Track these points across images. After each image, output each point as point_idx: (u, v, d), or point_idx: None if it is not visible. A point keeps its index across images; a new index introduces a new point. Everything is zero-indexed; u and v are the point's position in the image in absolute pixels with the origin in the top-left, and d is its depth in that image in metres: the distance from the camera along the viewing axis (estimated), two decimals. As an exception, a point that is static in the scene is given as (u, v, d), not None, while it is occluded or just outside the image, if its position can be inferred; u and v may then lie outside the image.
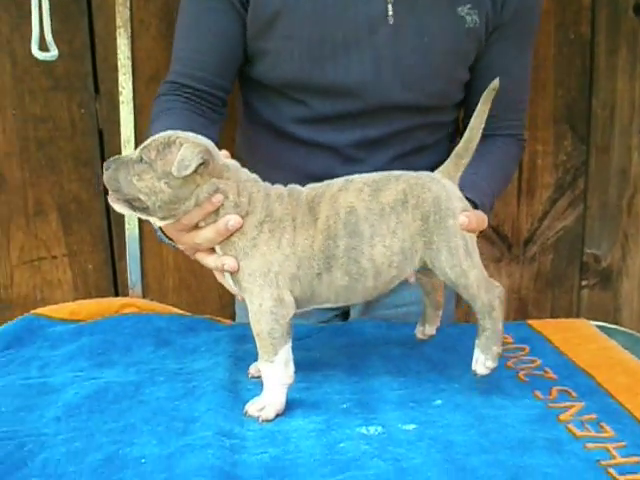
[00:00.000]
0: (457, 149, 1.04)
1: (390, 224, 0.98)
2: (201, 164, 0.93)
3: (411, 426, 0.93)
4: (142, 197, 0.96)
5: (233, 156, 1.03)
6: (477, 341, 1.01)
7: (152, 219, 0.99)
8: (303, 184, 1.05)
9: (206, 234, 0.98)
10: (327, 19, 1.19)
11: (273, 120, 1.30)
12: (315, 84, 1.23)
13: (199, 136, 0.98)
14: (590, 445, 0.89)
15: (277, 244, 0.96)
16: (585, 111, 1.89)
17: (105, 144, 1.74)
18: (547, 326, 1.28)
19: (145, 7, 1.66)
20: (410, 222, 0.98)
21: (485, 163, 1.23)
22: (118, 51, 1.42)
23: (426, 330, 1.15)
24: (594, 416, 0.96)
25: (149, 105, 1.68)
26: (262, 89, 1.30)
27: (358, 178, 1.01)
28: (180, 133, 0.97)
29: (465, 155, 1.04)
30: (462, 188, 1.07)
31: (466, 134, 1.04)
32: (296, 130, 1.28)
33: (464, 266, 0.99)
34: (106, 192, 1.73)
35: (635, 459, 0.86)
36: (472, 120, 1.04)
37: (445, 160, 1.38)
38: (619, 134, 1.91)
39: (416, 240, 0.99)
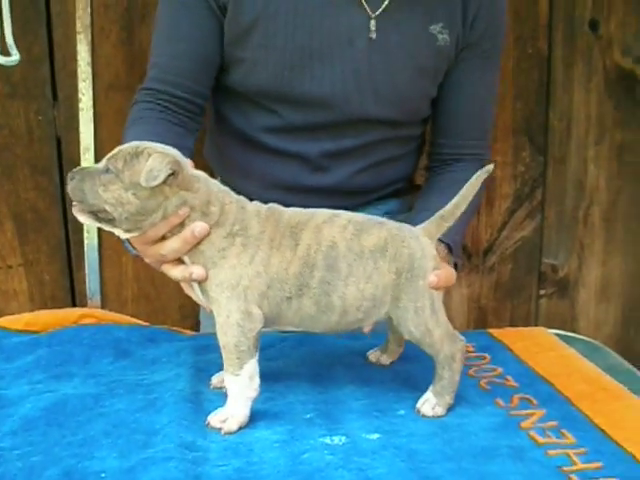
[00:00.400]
0: (442, 211, 1.04)
1: (367, 268, 0.97)
2: (170, 175, 0.92)
3: (375, 435, 0.93)
4: (108, 208, 0.94)
5: (199, 165, 1.02)
6: (432, 386, 1.01)
7: (117, 231, 0.97)
8: (272, 193, 1.04)
9: (172, 244, 0.96)
10: (305, 29, 1.19)
11: (244, 129, 1.30)
12: (289, 94, 1.23)
13: (167, 147, 0.97)
14: (552, 452, 0.90)
15: (249, 259, 0.95)
16: (543, 123, 1.94)
17: (63, 152, 1.72)
18: (507, 335, 1.30)
19: (105, 14, 1.65)
20: (385, 272, 0.98)
21: (450, 196, 1.24)
22: (78, 57, 1.40)
23: (381, 359, 1.16)
24: (555, 423, 0.97)
25: (108, 113, 1.68)
26: (234, 97, 1.29)
27: (344, 215, 1.01)
28: (148, 143, 0.95)
29: (449, 219, 1.03)
30: None
31: (454, 200, 1.03)
32: (267, 139, 1.28)
33: (429, 325, 0.99)
34: (65, 201, 1.71)
35: (596, 465, 0.87)
36: (463, 190, 1.03)
37: (413, 170, 1.39)
38: (575, 146, 1.95)
39: (387, 292, 0.98)
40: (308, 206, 1.19)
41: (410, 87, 1.25)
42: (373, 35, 1.21)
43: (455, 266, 1.19)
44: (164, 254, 0.98)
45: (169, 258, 0.98)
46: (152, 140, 0.99)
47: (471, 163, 1.31)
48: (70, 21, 1.53)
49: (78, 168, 0.98)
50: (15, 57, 1.23)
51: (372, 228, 1.00)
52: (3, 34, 1.17)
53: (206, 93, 1.29)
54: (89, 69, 1.40)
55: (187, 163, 0.97)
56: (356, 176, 1.30)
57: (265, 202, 1.30)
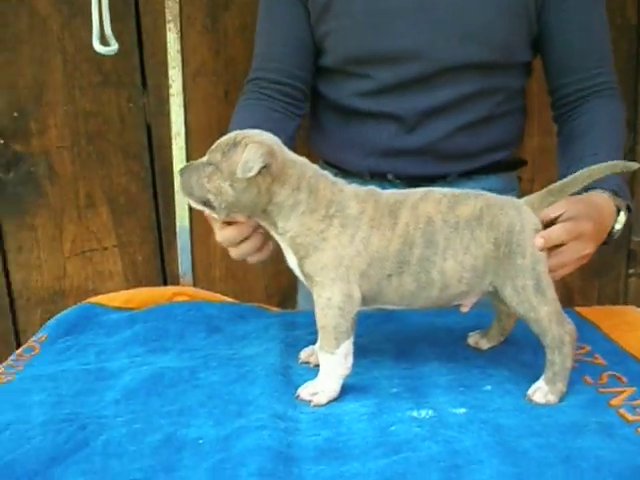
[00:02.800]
0: (552, 186, 1.01)
1: (464, 239, 0.97)
2: (263, 167, 0.94)
3: (461, 410, 0.94)
4: (211, 197, 0.98)
5: (303, 153, 1.04)
6: (544, 375, 0.98)
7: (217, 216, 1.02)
8: (372, 160, 1.11)
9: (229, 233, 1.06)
10: None
11: (339, 99, 1.32)
12: (377, 53, 1.25)
13: (265, 133, 0.99)
14: (642, 429, 0.89)
15: (349, 239, 0.97)
16: (632, 96, 1.87)
17: (153, 137, 1.78)
18: (595, 313, 1.28)
19: (191, 3, 1.70)
20: (484, 242, 0.97)
21: (599, 137, 1.22)
22: (168, 45, 1.45)
23: (481, 343, 1.14)
24: (646, 401, 0.96)
25: (196, 98, 1.74)
26: (327, 73, 1.33)
27: (438, 190, 1.01)
28: (246, 132, 0.98)
29: (558, 195, 1.00)
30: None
31: (569, 178, 1.00)
32: (362, 104, 1.29)
33: (534, 303, 0.97)
34: (155, 185, 1.78)
35: (688, 443, 0.85)
36: (582, 171, 1.00)
37: (515, 137, 1.34)
38: (667, 120, 1.88)
39: (489, 262, 0.98)
40: (408, 173, 1.24)
41: (495, 23, 1.22)
42: None
43: (628, 209, 1.14)
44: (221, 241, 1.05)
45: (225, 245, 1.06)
46: (249, 127, 1.02)
47: (601, 99, 1.27)
48: (158, 10, 1.59)
49: (185, 164, 1.03)
50: (114, 47, 1.30)
51: (467, 199, 0.99)
52: (101, 24, 1.23)
53: (305, 77, 1.33)
54: (179, 56, 1.45)
55: (283, 150, 0.99)
56: (453, 136, 1.28)
57: (367, 172, 1.34)
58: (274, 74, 1.31)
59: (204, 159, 1.00)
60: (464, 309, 1.04)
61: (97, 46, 1.27)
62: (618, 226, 1.13)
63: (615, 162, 1.00)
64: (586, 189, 1.07)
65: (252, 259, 1.09)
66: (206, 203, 1.00)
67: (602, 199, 1.11)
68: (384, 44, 1.24)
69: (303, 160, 1.01)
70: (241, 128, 1.01)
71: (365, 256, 0.97)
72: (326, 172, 1.02)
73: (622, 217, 1.13)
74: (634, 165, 1.00)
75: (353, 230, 0.97)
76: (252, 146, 0.94)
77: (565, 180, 1.01)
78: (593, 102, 1.27)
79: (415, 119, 1.27)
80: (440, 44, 1.22)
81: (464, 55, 1.23)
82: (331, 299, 0.97)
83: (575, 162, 1.15)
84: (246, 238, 1.06)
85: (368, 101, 1.29)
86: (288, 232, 0.98)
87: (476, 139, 1.30)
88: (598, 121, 1.24)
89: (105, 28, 1.22)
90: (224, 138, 0.99)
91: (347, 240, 0.97)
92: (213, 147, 0.99)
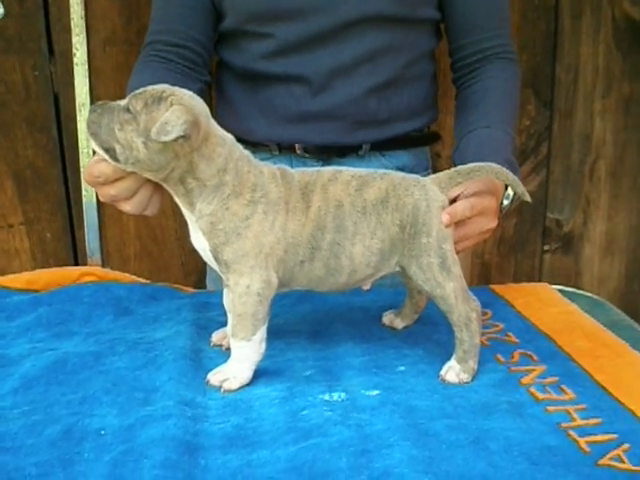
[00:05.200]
0: (460, 167, 1.00)
1: (370, 224, 0.95)
2: (182, 136, 0.87)
3: (374, 392, 0.93)
4: (117, 149, 0.90)
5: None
6: (454, 354, 0.98)
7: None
8: (280, 127, 1.12)
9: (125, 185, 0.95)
10: None
11: (242, 63, 1.27)
12: (275, 9, 1.20)
13: (196, 97, 0.92)
14: (551, 408, 0.90)
15: (270, 226, 0.93)
16: (549, 76, 1.90)
17: (61, 108, 1.69)
18: (509, 290, 1.29)
19: (100, -34, 1.61)
20: (389, 225, 0.96)
21: (493, 107, 1.22)
22: (71, 10, 1.37)
23: (395, 322, 1.13)
24: (555, 379, 0.97)
25: (105, 68, 1.65)
26: (229, 37, 1.28)
27: (348, 170, 0.98)
28: (177, 90, 0.90)
29: (465, 178, 1.00)
30: (482, 151, 1.09)
31: (479, 165, 1.00)
32: (265, 66, 1.25)
33: (439, 279, 0.96)
34: (64, 159, 1.70)
35: (595, 421, 0.87)
36: (493, 165, 1.00)
37: (425, 105, 1.33)
38: (582, 99, 1.92)
39: (395, 244, 0.97)
40: (317, 142, 1.24)
41: None
42: None
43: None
44: (114, 194, 0.96)
45: (120, 198, 0.96)
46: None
47: (498, 63, 1.28)
48: (64, -27, 1.50)
49: (101, 102, 0.93)
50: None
51: (374, 180, 0.97)
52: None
53: (205, 42, 1.27)
54: (82, 23, 1.38)
55: (211, 123, 0.93)
56: (362, 98, 1.25)
57: (275, 142, 1.30)
58: (172, 36, 1.24)
59: (123, 102, 0.91)
60: (365, 287, 1.03)
61: (-22, 9, 1.17)
62: (506, 201, 1.14)
63: (518, 184, 1.01)
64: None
65: (147, 212, 1.00)
66: (109, 151, 0.91)
67: None
68: None
69: (231, 139, 0.95)
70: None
71: (283, 243, 0.94)
72: (247, 152, 0.97)
73: (510, 193, 1.14)
74: (526, 197, 1.02)
75: (273, 216, 0.93)
76: (177, 108, 0.86)
77: (474, 165, 1.00)
78: (490, 67, 1.28)
79: (321, 80, 1.23)
80: None
81: (367, 7, 1.20)
82: (250, 286, 0.93)
83: (468, 133, 1.19)
84: (137, 190, 0.97)
85: (272, 63, 1.24)
86: (207, 216, 0.92)
87: (385, 104, 1.27)
88: (493, 89, 1.25)
89: (-11, -11, 1.13)
90: (152, 88, 0.90)
91: (268, 227, 0.93)
92: (137, 92, 0.90)
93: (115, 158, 0.91)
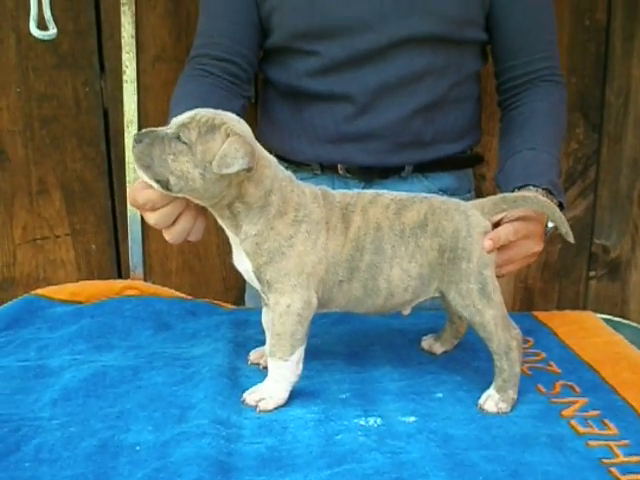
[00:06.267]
0: (507, 194, 1.01)
1: (409, 248, 0.95)
2: (245, 169, 0.87)
3: (411, 418, 0.92)
4: (172, 180, 0.89)
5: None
6: (494, 382, 0.96)
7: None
8: (323, 147, 1.12)
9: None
10: None
11: (287, 80, 1.28)
12: (322, 27, 1.20)
13: (242, 120, 0.93)
14: (592, 443, 0.87)
15: (312, 245, 0.93)
16: (598, 99, 1.86)
17: (110, 123, 1.72)
18: (552, 318, 1.26)
19: (152, -16, 1.64)
20: (428, 249, 0.95)
21: (537, 128, 1.21)
22: (122, 29, 1.40)
23: (434, 347, 1.12)
24: (598, 412, 0.94)
25: (155, 85, 1.68)
26: (274, 54, 1.29)
27: (388, 194, 0.98)
28: (224, 115, 0.90)
29: (510, 206, 0.99)
30: (527, 173, 1.09)
31: (526, 194, 1.01)
32: (310, 84, 1.25)
33: (479, 306, 0.95)
34: (111, 172, 1.73)
35: (638, 458, 0.84)
36: (540, 199, 1.01)
37: (470, 127, 1.33)
38: (633, 123, 1.88)
39: (434, 269, 0.96)
40: (360, 162, 1.25)
41: None
42: None
43: (560, 206, 1.11)
44: (154, 223, 0.96)
45: (160, 226, 0.97)
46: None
47: (545, 86, 1.27)
48: (117, -9, 1.53)
49: (145, 130, 0.91)
50: (52, 31, 1.21)
51: (413, 204, 0.97)
52: (40, 6, 1.16)
53: (250, 57, 1.28)
54: (133, 41, 1.40)
55: (257, 146, 0.93)
56: (407, 119, 1.24)
57: (317, 162, 1.30)
58: (217, 50, 1.25)
59: (170, 130, 0.90)
60: (405, 312, 1.02)
61: (34, 30, 1.19)
62: (550, 224, 1.11)
63: (563, 222, 1.01)
64: (519, 187, 1.10)
65: (190, 238, 1.00)
66: (161, 182, 0.90)
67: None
68: (331, 16, 1.19)
69: (274, 160, 0.96)
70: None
71: (324, 262, 0.94)
72: (289, 173, 0.98)
73: None
74: (570, 238, 1.02)
75: (315, 235, 0.93)
76: (234, 140, 0.87)
77: (521, 195, 1.00)
78: (536, 89, 1.27)
79: (366, 99, 1.23)
80: (390, 15, 1.18)
81: (415, 27, 1.19)
82: (290, 306, 0.93)
83: (513, 154, 1.19)
84: (179, 216, 0.96)
85: (317, 81, 1.24)
86: (253, 237, 0.92)
87: (430, 125, 1.26)
88: (539, 112, 1.24)
89: (44, 11, 1.15)
90: (200, 115, 0.89)
91: (311, 246, 0.93)
92: (185, 122, 0.89)
93: (167, 188, 0.90)
